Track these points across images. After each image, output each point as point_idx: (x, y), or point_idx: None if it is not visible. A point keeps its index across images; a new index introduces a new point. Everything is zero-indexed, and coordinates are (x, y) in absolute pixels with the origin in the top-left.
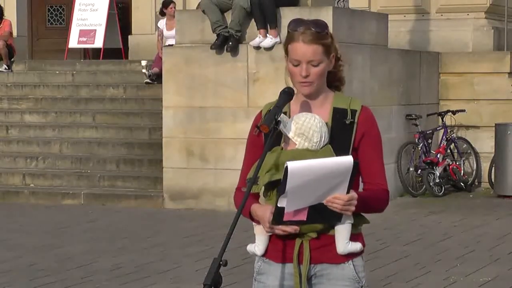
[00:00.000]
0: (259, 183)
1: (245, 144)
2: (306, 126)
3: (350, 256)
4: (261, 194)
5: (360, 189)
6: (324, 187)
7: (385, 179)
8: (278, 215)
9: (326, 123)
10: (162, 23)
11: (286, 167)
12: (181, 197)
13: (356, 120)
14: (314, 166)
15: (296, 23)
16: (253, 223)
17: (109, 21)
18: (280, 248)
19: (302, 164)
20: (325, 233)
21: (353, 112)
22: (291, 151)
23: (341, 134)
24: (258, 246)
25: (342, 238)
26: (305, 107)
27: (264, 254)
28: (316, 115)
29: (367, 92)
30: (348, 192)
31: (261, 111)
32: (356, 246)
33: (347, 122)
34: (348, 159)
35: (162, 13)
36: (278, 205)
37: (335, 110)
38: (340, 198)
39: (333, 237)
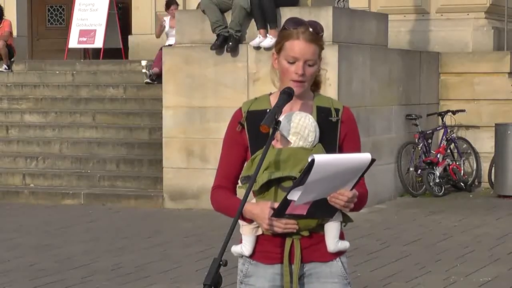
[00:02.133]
0: (257, 181)
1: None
2: (301, 125)
3: (338, 253)
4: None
5: None
6: (336, 181)
7: (364, 179)
8: (283, 208)
9: None
10: (167, 19)
11: (313, 159)
12: (181, 197)
13: (340, 118)
14: (336, 161)
15: (296, 22)
16: (241, 223)
17: (109, 21)
18: (267, 249)
19: (327, 158)
20: (316, 231)
21: (337, 110)
22: (288, 149)
23: (328, 132)
24: (245, 247)
25: (332, 237)
26: (291, 106)
27: (251, 256)
28: (308, 114)
29: (367, 92)
30: (351, 189)
31: (240, 109)
32: (345, 244)
33: (333, 120)
34: (367, 156)
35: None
36: (288, 197)
37: (319, 109)
38: (344, 194)
39: (322, 235)
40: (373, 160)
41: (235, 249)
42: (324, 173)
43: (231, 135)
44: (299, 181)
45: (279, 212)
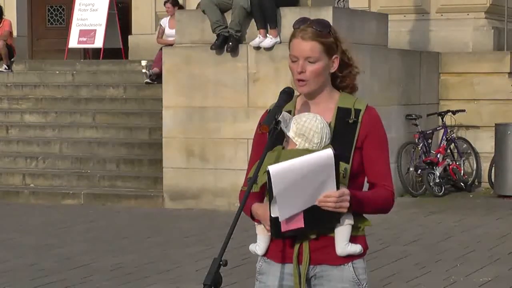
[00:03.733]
0: (258, 182)
1: (246, 144)
2: (306, 127)
3: (351, 257)
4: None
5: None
6: (311, 186)
7: (391, 180)
8: (276, 227)
9: (329, 123)
10: (164, 21)
11: (268, 171)
12: (181, 197)
13: (359, 120)
14: (295, 165)
15: (299, 21)
16: (255, 223)
17: (109, 21)
18: (280, 248)
19: (283, 165)
20: (325, 234)
21: (357, 111)
22: (291, 151)
23: (344, 133)
24: (259, 246)
25: (341, 240)
26: (309, 107)
27: (265, 254)
28: (318, 115)
29: (367, 92)
30: (338, 188)
31: (267, 110)
32: (356, 248)
33: (350, 121)
34: (327, 152)
35: None
36: (272, 215)
37: (339, 110)
38: (331, 195)
39: (333, 238)
40: (336, 156)
41: (251, 247)
42: (289, 181)
43: (256, 136)
44: (270, 196)
45: (276, 232)
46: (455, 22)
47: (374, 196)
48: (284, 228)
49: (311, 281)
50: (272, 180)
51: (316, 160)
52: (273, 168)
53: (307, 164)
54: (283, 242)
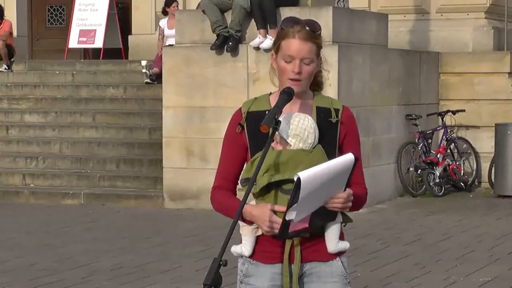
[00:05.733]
0: (256, 184)
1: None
2: (301, 128)
3: (338, 253)
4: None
5: None
6: (328, 189)
7: (364, 178)
8: (285, 228)
9: None
10: (163, 22)
11: (298, 178)
12: (181, 197)
13: (339, 119)
14: (322, 172)
15: (291, 21)
16: (241, 224)
17: (109, 21)
18: (267, 249)
19: (312, 172)
20: (316, 232)
21: (336, 111)
22: (287, 151)
23: (328, 133)
24: (245, 247)
25: (333, 237)
26: (290, 106)
27: (251, 256)
28: (308, 116)
29: (367, 92)
30: (344, 189)
31: (240, 109)
32: (345, 244)
33: (333, 121)
34: (349, 157)
35: (165, 12)
36: (286, 218)
37: (318, 109)
38: (340, 196)
39: (322, 236)
40: (356, 159)
41: (235, 249)
42: (313, 186)
43: (231, 135)
44: (291, 201)
45: (283, 233)
46: (455, 22)
47: (360, 195)
48: (291, 228)
49: (301, 279)
50: (301, 186)
51: (339, 164)
52: (303, 175)
53: (331, 170)
54: (269, 242)
